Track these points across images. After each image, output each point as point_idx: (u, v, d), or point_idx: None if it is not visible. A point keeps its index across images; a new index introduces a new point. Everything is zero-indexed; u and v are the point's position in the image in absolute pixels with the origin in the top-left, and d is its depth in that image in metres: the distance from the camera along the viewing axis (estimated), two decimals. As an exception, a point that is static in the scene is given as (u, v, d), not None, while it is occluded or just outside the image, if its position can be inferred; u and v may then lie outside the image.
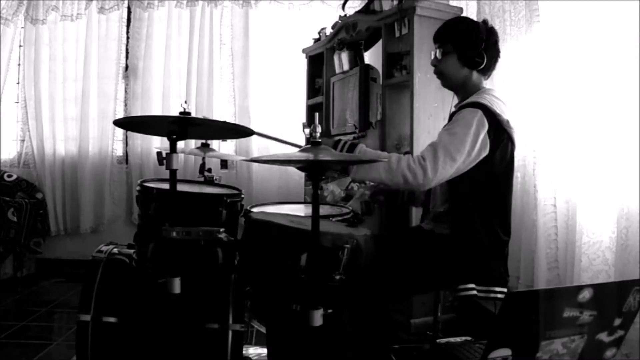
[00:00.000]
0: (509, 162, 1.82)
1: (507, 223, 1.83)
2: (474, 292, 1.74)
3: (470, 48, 1.84)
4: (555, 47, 2.54)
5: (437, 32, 1.94)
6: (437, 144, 1.70)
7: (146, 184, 1.97)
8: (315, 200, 1.37)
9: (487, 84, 1.95)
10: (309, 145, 1.39)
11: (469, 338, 2.43)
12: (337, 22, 3.57)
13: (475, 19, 3.03)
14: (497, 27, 2.84)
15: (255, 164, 4.23)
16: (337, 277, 1.37)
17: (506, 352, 1.01)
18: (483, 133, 1.70)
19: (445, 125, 1.86)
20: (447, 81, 1.94)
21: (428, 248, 1.81)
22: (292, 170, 4.14)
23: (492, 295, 1.77)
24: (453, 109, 2.01)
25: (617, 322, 1.13)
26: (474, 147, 1.68)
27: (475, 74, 1.88)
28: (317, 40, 3.88)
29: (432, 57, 1.93)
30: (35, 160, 4.29)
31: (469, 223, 1.77)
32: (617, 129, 2.25)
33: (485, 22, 1.93)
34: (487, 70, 1.90)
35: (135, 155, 4.30)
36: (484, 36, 1.85)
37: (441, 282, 1.90)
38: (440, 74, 1.93)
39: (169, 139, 1.66)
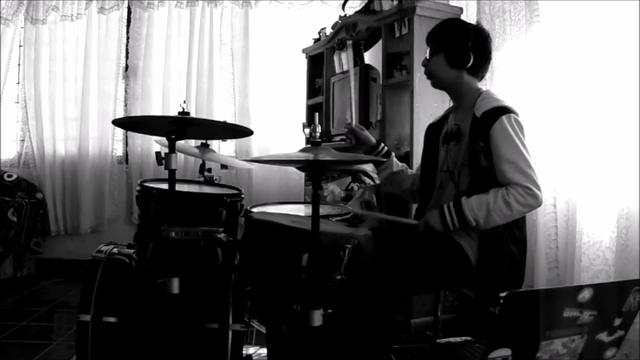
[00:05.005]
0: None
1: (522, 219, 1.83)
2: None
3: (456, 47, 1.85)
4: (555, 47, 2.54)
5: (428, 34, 1.96)
6: (516, 162, 1.70)
7: (146, 184, 1.97)
8: (315, 200, 1.37)
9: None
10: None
11: (469, 338, 2.43)
12: (337, 22, 3.57)
13: (475, 19, 3.04)
14: (497, 27, 2.87)
15: (255, 164, 4.23)
16: (338, 277, 1.37)
17: (506, 352, 1.01)
18: (524, 132, 1.78)
19: (496, 140, 1.76)
20: (437, 81, 1.95)
21: (429, 248, 1.81)
22: (292, 170, 4.13)
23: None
24: (450, 110, 2.02)
25: (617, 322, 1.13)
26: (526, 144, 1.76)
27: (465, 75, 1.88)
28: (317, 40, 3.88)
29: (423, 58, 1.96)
30: (35, 160, 4.29)
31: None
32: (617, 129, 2.25)
33: (477, 22, 1.93)
34: (477, 71, 1.89)
35: (135, 155, 4.30)
36: (472, 35, 1.86)
37: (443, 282, 1.90)
38: (429, 74, 1.95)
39: (167, 139, 1.66)
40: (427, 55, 1.93)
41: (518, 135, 1.74)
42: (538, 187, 1.70)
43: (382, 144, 2.08)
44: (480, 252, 1.77)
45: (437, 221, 1.77)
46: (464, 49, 1.84)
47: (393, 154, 2.09)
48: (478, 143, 1.76)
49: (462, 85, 1.90)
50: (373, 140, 2.07)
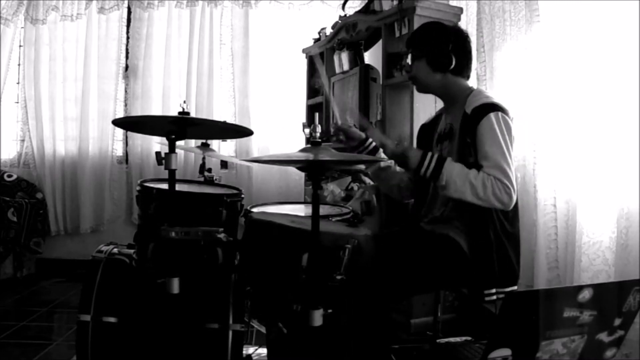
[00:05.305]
0: None
1: (514, 215, 1.82)
2: (495, 297, 1.75)
3: (437, 51, 1.86)
4: (555, 47, 2.54)
5: (408, 39, 1.97)
6: (496, 160, 1.69)
7: (146, 184, 1.97)
8: (315, 200, 1.37)
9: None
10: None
11: (469, 338, 2.43)
12: (337, 22, 3.57)
13: (475, 19, 3.04)
14: (497, 27, 2.87)
15: (255, 164, 4.23)
16: (338, 277, 1.37)
17: (506, 352, 1.01)
18: (512, 133, 1.76)
19: (481, 135, 1.76)
20: (421, 86, 1.96)
21: (429, 248, 1.81)
22: (292, 170, 4.13)
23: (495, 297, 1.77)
24: (442, 111, 2.02)
25: (617, 322, 1.13)
26: (511, 146, 1.75)
27: (450, 77, 1.88)
28: (317, 40, 3.88)
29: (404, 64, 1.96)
30: (35, 160, 4.29)
31: (482, 218, 1.76)
32: (616, 129, 2.25)
33: (454, 25, 1.94)
34: (461, 71, 1.89)
35: (135, 155, 4.30)
36: (452, 37, 1.87)
37: (442, 282, 1.90)
38: (413, 79, 1.96)
39: (167, 139, 1.66)
40: (409, 61, 1.93)
41: (504, 134, 1.72)
42: (514, 190, 1.69)
43: (370, 140, 2.03)
44: (470, 248, 1.77)
45: (415, 158, 1.75)
46: (445, 52, 1.85)
47: (380, 150, 2.04)
48: (466, 139, 1.77)
49: (450, 86, 1.90)
50: (362, 134, 2.03)
